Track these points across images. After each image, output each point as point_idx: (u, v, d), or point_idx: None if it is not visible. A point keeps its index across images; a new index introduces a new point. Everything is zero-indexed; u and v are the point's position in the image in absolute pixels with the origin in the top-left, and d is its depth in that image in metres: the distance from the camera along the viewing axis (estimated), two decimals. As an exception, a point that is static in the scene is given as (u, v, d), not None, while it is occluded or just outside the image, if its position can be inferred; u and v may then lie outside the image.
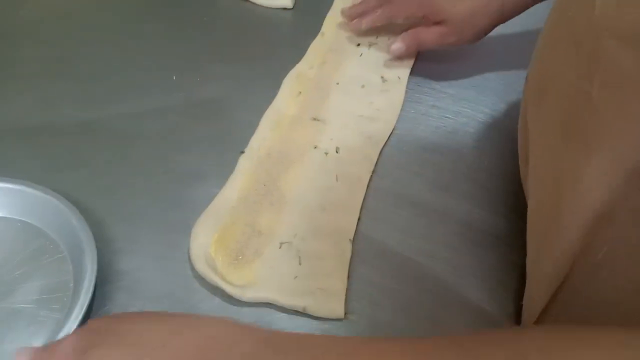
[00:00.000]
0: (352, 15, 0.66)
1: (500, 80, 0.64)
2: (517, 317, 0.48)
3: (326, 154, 0.56)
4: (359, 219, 0.52)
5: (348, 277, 0.48)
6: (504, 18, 0.59)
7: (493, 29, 0.60)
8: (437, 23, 0.60)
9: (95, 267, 0.45)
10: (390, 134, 0.58)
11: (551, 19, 0.43)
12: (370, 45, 0.66)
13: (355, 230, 0.51)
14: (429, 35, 0.61)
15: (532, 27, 0.68)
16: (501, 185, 0.55)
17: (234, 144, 0.56)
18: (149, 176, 0.54)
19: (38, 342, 0.44)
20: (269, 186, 0.53)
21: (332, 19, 0.69)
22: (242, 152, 0.55)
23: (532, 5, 0.58)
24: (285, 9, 0.70)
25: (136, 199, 0.53)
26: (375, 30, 0.67)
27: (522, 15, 0.63)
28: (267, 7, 0.70)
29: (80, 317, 0.43)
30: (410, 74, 0.64)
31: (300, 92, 0.61)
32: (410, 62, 0.65)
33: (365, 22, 0.64)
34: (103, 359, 0.32)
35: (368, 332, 0.46)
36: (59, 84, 0.62)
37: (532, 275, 0.42)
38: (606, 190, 0.31)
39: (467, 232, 0.52)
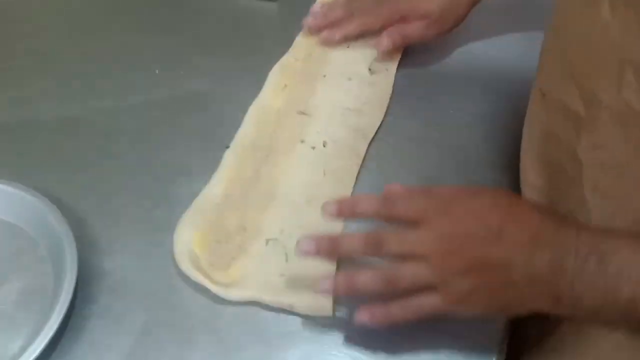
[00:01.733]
0: (318, 26, 0.62)
1: (488, 72, 0.63)
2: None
3: (313, 148, 0.55)
4: (347, 214, 0.51)
5: (336, 273, 0.47)
6: None
7: (470, 11, 0.61)
8: (417, 19, 0.60)
9: (75, 267, 0.44)
10: (379, 127, 0.57)
11: None
12: (357, 37, 0.65)
13: (343, 226, 0.50)
14: (413, 30, 0.60)
15: (520, 22, 0.67)
16: (490, 177, 0.54)
17: (219, 139, 0.55)
18: (132, 173, 0.53)
19: (16, 345, 0.43)
20: (255, 182, 0.52)
21: (319, 11, 0.67)
22: (227, 146, 0.54)
23: None
24: (270, 0, 0.69)
25: (119, 196, 0.51)
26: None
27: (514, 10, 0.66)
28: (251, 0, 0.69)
29: (60, 318, 0.42)
30: (398, 65, 0.62)
31: (286, 85, 0.59)
32: (398, 54, 0.64)
33: (339, 34, 0.61)
34: None
35: (357, 330, 0.45)
36: (38, 79, 0.60)
37: None
38: None
39: (457, 226, 0.51)
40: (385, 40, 0.60)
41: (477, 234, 0.39)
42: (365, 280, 0.41)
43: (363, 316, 0.41)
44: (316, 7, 0.64)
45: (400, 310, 0.40)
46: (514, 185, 0.53)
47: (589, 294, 0.35)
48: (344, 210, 0.44)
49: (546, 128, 0.46)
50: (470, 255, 0.39)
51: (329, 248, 0.42)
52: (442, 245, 0.39)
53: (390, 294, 0.40)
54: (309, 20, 0.63)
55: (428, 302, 0.40)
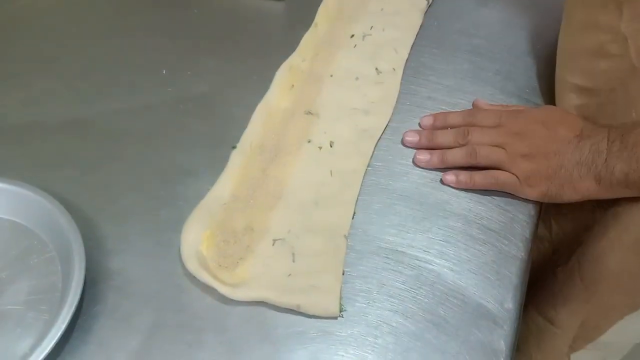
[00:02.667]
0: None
1: (496, 71, 0.62)
2: (517, 314, 0.47)
3: (320, 148, 0.55)
4: (354, 214, 0.51)
5: (343, 273, 0.47)
6: None
7: None
8: None
9: (83, 267, 0.45)
10: (386, 127, 0.57)
11: None
12: (364, 36, 0.65)
13: (350, 226, 0.50)
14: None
15: (528, 22, 0.67)
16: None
17: (225, 139, 0.55)
18: (139, 174, 0.53)
19: (25, 344, 0.43)
20: (262, 182, 0.52)
21: (325, 10, 0.67)
22: (234, 147, 0.54)
23: None
24: (277, 0, 0.69)
25: (126, 197, 0.52)
26: (369, 21, 0.66)
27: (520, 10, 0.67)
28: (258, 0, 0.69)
29: (68, 318, 0.42)
30: (405, 65, 0.62)
31: (293, 85, 0.59)
32: (405, 54, 0.63)
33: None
34: None
35: (364, 330, 0.45)
36: (46, 81, 0.60)
37: None
38: None
39: (464, 226, 0.51)
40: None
41: (538, 131, 0.52)
42: (454, 154, 0.53)
43: (450, 178, 0.53)
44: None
45: (481, 177, 0.52)
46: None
47: (619, 165, 0.47)
48: (438, 120, 0.56)
49: (585, 20, 0.54)
50: (533, 144, 0.51)
51: (428, 139, 0.55)
52: (513, 137, 0.52)
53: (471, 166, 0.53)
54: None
55: (502, 176, 0.52)
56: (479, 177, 0.52)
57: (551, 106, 0.58)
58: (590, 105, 0.56)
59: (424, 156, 0.54)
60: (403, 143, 0.56)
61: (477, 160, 0.52)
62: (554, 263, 0.60)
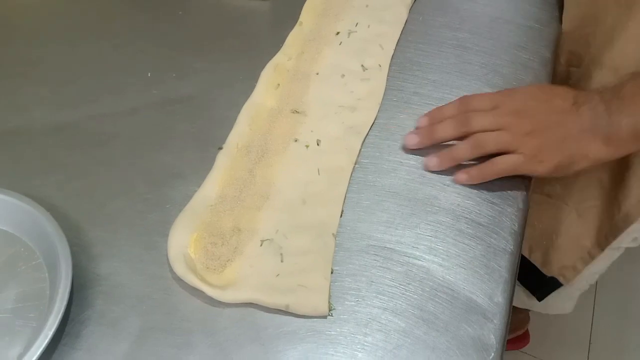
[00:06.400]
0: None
1: (483, 65, 0.62)
2: (507, 308, 0.47)
3: (307, 146, 0.55)
4: (342, 212, 0.51)
5: (332, 272, 0.47)
6: None
7: None
8: None
9: (70, 273, 0.44)
10: (372, 124, 0.57)
11: None
12: (349, 33, 0.64)
13: (339, 224, 0.50)
14: None
15: (513, 15, 0.67)
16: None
17: (212, 140, 0.54)
18: (125, 177, 0.53)
19: (14, 352, 0.43)
20: (249, 182, 0.52)
21: (310, 8, 0.67)
22: (220, 148, 0.54)
23: None
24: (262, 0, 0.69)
25: (113, 201, 0.51)
26: (354, 18, 0.66)
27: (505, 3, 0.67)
28: (243, -1, 0.69)
29: (56, 324, 0.42)
30: (391, 61, 0.62)
31: (279, 84, 0.59)
32: (391, 50, 0.63)
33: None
34: None
35: (354, 328, 0.45)
36: (31, 86, 0.60)
37: None
38: None
39: (453, 221, 0.51)
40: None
41: (536, 106, 0.52)
42: (460, 149, 0.52)
43: (461, 177, 0.52)
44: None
45: (490, 166, 0.51)
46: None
47: (625, 120, 0.49)
48: (433, 116, 0.55)
49: None
50: (535, 120, 0.51)
51: (428, 137, 0.54)
52: (514, 117, 0.52)
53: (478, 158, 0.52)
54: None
55: (511, 160, 0.51)
56: (488, 168, 0.52)
57: (537, 84, 0.59)
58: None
59: (433, 162, 0.53)
60: (405, 148, 0.54)
61: (485, 150, 0.51)
62: None
